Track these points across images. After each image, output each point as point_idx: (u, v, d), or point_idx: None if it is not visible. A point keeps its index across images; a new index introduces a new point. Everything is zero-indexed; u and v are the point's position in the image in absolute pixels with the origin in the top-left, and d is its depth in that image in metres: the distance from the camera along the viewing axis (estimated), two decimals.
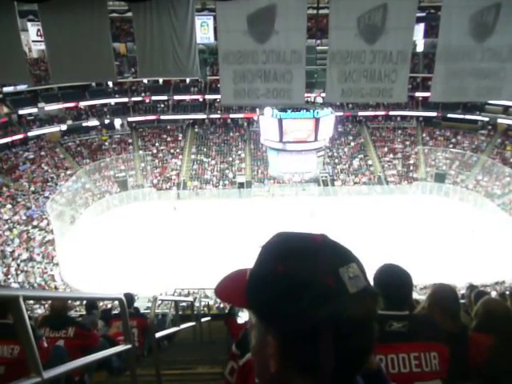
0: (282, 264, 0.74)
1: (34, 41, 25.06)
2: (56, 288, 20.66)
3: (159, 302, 11.48)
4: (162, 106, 33.67)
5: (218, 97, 28.62)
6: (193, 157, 33.28)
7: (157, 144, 33.75)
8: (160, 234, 24.22)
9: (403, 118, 34.57)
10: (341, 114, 31.39)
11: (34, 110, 29.74)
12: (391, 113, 33.76)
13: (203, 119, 34.73)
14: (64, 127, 31.31)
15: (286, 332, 0.72)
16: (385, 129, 34.78)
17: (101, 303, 13.13)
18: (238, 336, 2.06)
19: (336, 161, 32.74)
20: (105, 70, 7.32)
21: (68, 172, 29.99)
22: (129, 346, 3.39)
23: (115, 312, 7.29)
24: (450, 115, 32.20)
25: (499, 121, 31.05)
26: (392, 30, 6.97)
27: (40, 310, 15.04)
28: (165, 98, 33.09)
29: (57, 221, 25.04)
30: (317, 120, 16.02)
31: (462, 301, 6.11)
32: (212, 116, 34.09)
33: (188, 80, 32.04)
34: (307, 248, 0.76)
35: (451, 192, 29.56)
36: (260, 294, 0.75)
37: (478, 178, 29.91)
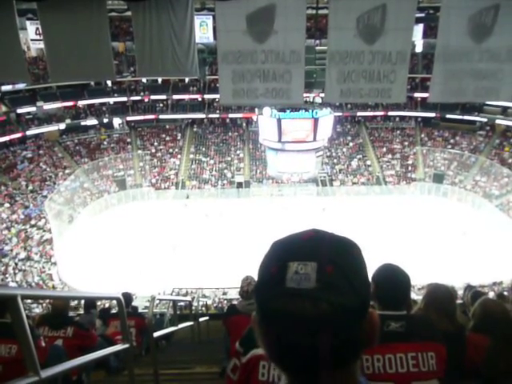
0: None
1: (32, 39, 24.97)
2: (54, 287, 20.63)
3: (157, 301, 11.49)
4: (161, 105, 33.64)
5: (216, 96, 28.59)
6: (191, 156, 33.27)
7: (155, 143, 33.73)
8: (159, 234, 24.21)
9: (402, 118, 34.62)
10: (339, 114, 31.40)
11: (32, 109, 29.68)
12: (390, 113, 33.79)
13: (202, 119, 34.71)
14: (62, 126, 31.26)
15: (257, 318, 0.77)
16: (383, 129, 34.82)
17: (99, 302, 13.13)
18: (237, 335, 2.07)
19: (334, 161, 32.76)
20: (104, 69, 7.31)
21: (66, 171, 29.94)
22: (127, 346, 3.39)
23: (113, 311, 7.30)
24: (448, 116, 32.26)
25: (497, 122, 31.11)
26: (391, 31, 6.98)
27: (38, 310, 15.02)
28: (164, 97, 33.06)
29: (55, 220, 25.01)
30: (315, 120, 16.04)
31: (459, 301, 6.13)
32: (211, 116, 34.07)
33: (187, 79, 32.00)
34: (291, 243, 0.79)
35: (449, 192, 29.61)
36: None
37: (477, 178, 29.97)
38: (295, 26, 7.00)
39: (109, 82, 31.31)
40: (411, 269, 2.28)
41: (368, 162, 32.64)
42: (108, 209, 29.05)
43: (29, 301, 12.82)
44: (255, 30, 6.96)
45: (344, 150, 33.59)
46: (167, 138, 34.28)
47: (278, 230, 18.24)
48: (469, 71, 7.29)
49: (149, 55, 7.26)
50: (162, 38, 7.10)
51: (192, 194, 30.31)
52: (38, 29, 21.64)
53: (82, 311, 7.93)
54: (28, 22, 23.42)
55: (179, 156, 33.08)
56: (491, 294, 14.53)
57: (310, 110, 15.94)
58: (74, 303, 12.62)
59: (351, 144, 34.03)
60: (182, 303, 11.45)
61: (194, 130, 35.01)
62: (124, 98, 32.38)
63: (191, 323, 7.67)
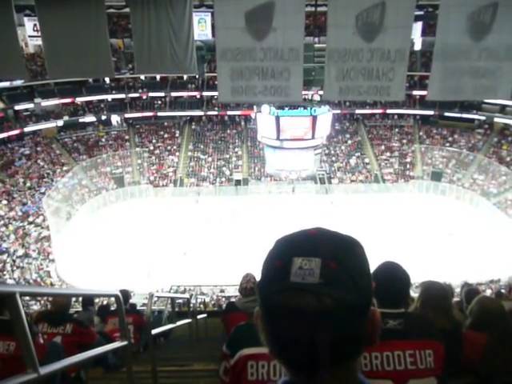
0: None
1: (30, 36, 24.82)
2: (52, 284, 20.63)
3: (155, 298, 11.48)
4: (159, 102, 33.55)
5: (215, 94, 28.54)
6: (190, 154, 33.23)
7: (154, 141, 33.67)
8: (156, 231, 24.21)
9: (400, 116, 34.60)
10: (338, 111, 31.37)
11: (30, 106, 29.55)
12: (388, 111, 33.75)
13: (200, 116, 34.65)
14: (60, 123, 31.15)
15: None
16: (382, 127, 34.81)
17: (97, 300, 13.13)
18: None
19: (333, 159, 32.77)
20: (102, 65, 7.30)
21: (64, 168, 29.87)
22: (125, 343, 3.39)
23: (112, 309, 7.30)
24: (446, 114, 32.26)
25: (496, 120, 31.12)
26: (390, 29, 6.98)
27: (36, 307, 15.02)
28: (162, 94, 32.97)
29: (53, 217, 24.97)
30: (314, 118, 16.02)
31: (456, 299, 6.15)
32: (209, 113, 34.00)
33: (185, 77, 31.91)
34: (295, 239, 0.80)
35: (447, 190, 29.66)
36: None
37: (475, 176, 30.02)
38: (294, 24, 6.99)
39: (107, 79, 31.21)
40: (409, 266, 2.29)
41: (366, 160, 32.65)
42: (106, 206, 29.01)
43: (27, 298, 12.82)
44: (254, 27, 6.95)
45: (342, 147, 33.59)
46: (165, 136, 34.22)
47: (276, 227, 18.29)
48: (467, 69, 7.31)
49: (147, 52, 7.26)
50: (161, 34, 7.08)
51: (190, 192, 30.31)
52: (35, 25, 21.49)
53: (79, 308, 7.93)
54: (26, 19, 23.26)
55: (177, 153, 33.04)
56: (489, 292, 14.61)
57: (309, 108, 15.91)
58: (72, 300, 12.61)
59: (349, 142, 34.03)
60: (180, 300, 11.46)
61: (193, 127, 34.95)
62: (122, 95, 32.27)
63: (189, 320, 7.68)
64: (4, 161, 28.48)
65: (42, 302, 15.42)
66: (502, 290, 12.96)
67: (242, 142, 34.00)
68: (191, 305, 8.61)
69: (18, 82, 27.46)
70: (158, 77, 32.10)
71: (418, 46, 27.77)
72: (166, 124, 34.80)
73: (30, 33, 24.23)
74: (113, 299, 3.90)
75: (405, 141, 33.64)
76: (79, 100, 31.44)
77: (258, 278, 0.80)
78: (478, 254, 20.85)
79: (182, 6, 6.99)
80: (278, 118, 16.15)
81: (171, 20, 7.03)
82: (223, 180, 31.47)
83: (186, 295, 10.61)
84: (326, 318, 0.71)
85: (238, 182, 31.12)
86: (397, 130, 34.46)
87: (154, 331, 5.15)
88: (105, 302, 12.25)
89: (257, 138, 22.03)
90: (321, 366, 0.74)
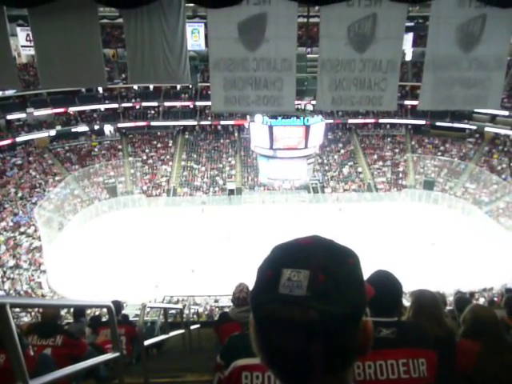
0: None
1: (23, 46, 24.78)
2: (43, 295, 20.38)
3: (148, 309, 11.38)
4: (153, 112, 33.60)
5: (208, 103, 28.48)
6: (183, 163, 33.21)
7: (147, 150, 33.63)
8: (149, 241, 24.06)
9: (392, 125, 34.91)
10: (331, 121, 31.58)
11: (22, 115, 29.48)
12: (381, 120, 34.06)
13: (194, 126, 34.71)
14: (53, 133, 31.07)
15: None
16: (374, 136, 35.08)
17: (89, 310, 12.98)
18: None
19: (326, 168, 32.91)
20: (95, 75, 7.29)
21: (56, 178, 29.71)
22: (117, 354, 3.35)
23: (104, 319, 7.21)
24: (438, 123, 32.63)
25: (486, 129, 31.52)
26: (382, 39, 7.06)
27: (26, 318, 14.82)
28: (155, 104, 33.04)
29: (44, 227, 24.75)
30: (307, 127, 16.10)
31: (449, 307, 6.16)
32: (202, 122, 34.09)
33: (179, 86, 32.04)
34: (289, 248, 0.81)
35: (440, 199, 29.86)
36: None
37: (466, 185, 30.27)
38: (286, 34, 7.05)
39: (100, 89, 31.27)
40: (402, 275, 2.29)
41: (359, 169, 32.82)
42: (98, 216, 28.83)
43: (17, 309, 12.65)
44: (247, 37, 7.00)
45: (335, 157, 33.76)
46: (158, 145, 34.20)
47: (270, 237, 18.26)
48: (458, 79, 7.40)
49: (140, 62, 7.27)
50: (154, 45, 7.11)
51: (184, 201, 30.23)
52: (28, 35, 21.50)
53: (71, 319, 7.83)
54: (18, 29, 23.29)
55: (170, 163, 33.01)
56: (482, 300, 14.64)
57: (302, 118, 15.99)
58: (63, 312, 12.47)
59: (342, 151, 34.22)
60: (174, 311, 11.37)
61: (186, 136, 34.98)
62: (115, 105, 32.30)
63: (182, 331, 7.61)
64: None
65: (33, 313, 15.23)
66: (495, 298, 13.00)
67: (236, 151, 34.06)
68: (184, 315, 8.54)
69: (11, 92, 27.43)
70: (151, 86, 32.18)
71: (409, 57, 28.12)
72: (159, 134, 34.80)
73: (22, 43, 24.19)
74: (105, 310, 3.86)
75: (397, 150, 33.90)
76: (72, 110, 31.39)
77: (251, 287, 0.81)
78: (471, 263, 20.94)
79: (176, 17, 7.03)
80: (271, 128, 16.22)
81: (165, 30, 7.06)
82: (216, 189, 31.45)
83: (180, 305, 10.53)
84: (312, 330, 0.71)
85: (231, 192, 31.10)
86: (389, 139, 34.74)
87: (147, 342, 5.10)
88: (97, 313, 12.12)
89: (250, 148, 22.09)
90: (311, 377, 0.74)
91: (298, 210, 27.95)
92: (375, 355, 1.78)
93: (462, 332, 2.82)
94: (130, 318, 8.36)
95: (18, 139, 29.51)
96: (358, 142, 34.67)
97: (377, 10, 6.81)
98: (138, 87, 32.06)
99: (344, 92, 7.48)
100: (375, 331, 1.84)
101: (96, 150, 32.90)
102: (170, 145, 34.33)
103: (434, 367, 1.83)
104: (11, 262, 22.25)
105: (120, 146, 33.55)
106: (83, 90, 30.56)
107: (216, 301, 19.28)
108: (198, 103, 32.59)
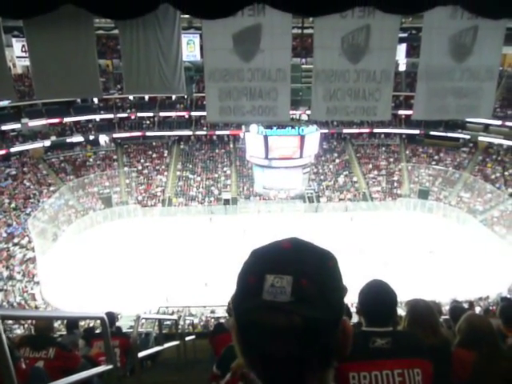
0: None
1: (18, 57, 24.85)
2: (36, 307, 20.15)
3: (143, 320, 11.28)
4: (148, 122, 33.62)
5: (203, 114, 28.63)
6: (178, 173, 33.18)
7: (142, 160, 33.58)
8: (144, 251, 23.92)
9: (387, 135, 35.11)
10: (326, 131, 31.74)
11: (17, 126, 29.34)
12: (375, 130, 34.26)
13: (189, 136, 34.74)
14: (48, 143, 30.93)
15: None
16: (369, 146, 35.24)
17: (82, 322, 12.85)
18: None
19: (321, 177, 32.98)
20: (90, 86, 7.31)
21: (51, 188, 29.55)
22: (111, 367, 3.31)
23: (97, 331, 7.13)
24: (432, 133, 32.83)
25: (480, 138, 31.78)
26: (375, 50, 7.14)
27: (19, 331, 14.63)
28: (150, 114, 33.06)
29: (38, 238, 24.55)
30: (302, 137, 16.17)
31: (445, 317, 6.15)
32: (198, 133, 34.14)
33: (174, 97, 32.11)
34: (269, 253, 0.81)
35: (435, 208, 29.97)
36: None
37: (461, 194, 30.41)
38: (281, 45, 7.11)
39: (95, 99, 31.24)
40: (398, 285, 2.29)
41: (354, 179, 32.93)
42: (93, 226, 28.66)
43: (10, 321, 12.48)
44: (242, 48, 7.05)
45: (330, 166, 33.87)
46: (154, 155, 34.18)
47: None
48: (450, 89, 7.49)
49: (136, 73, 7.30)
50: (149, 55, 7.14)
51: (179, 212, 30.15)
52: (23, 46, 21.58)
53: (64, 331, 7.74)
54: (14, 40, 23.38)
55: (166, 173, 32.97)
56: (478, 309, 14.63)
57: (297, 127, 16.07)
58: (56, 323, 12.32)
59: (337, 161, 34.34)
60: (168, 322, 11.27)
61: (181, 147, 35.00)
62: (110, 115, 32.26)
63: (177, 342, 7.54)
64: None
65: (26, 325, 15.04)
66: (491, 307, 12.99)
67: (231, 161, 34.09)
68: (179, 326, 8.46)
69: (5, 102, 27.34)
70: (146, 97, 32.22)
71: (402, 67, 28.44)
72: (154, 144, 34.79)
73: (17, 53, 24.26)
74: (99, 322, 3.82)
75: (392, 159, 34.07)
76: (67, 120, 31.32)
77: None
78: (467, 272, 20.96)
79: (171, 28, 7.08)
80: (266, 138, 16.27)
81: (160, 41, 7.11)
82: (212, 199, 31.41)
83: (174, 317, 10.44)
84: (297, 335, 0.71)
85: (226, 202, 31.07)
86: (384, 148, 34.92)
87: (141, 354, 5.04)
88: (91, 325, 12.00)
89: (245, 158, 22.14)
90: (295, 380, 0.75)
91: (293, 219, 27.91)
92: (370, 366, 1.76)
93: (458, 341, 2.81)
94: (125, 330, 8.26)
95: (13, 150, 29.38)
96: (353, 152, 34.83)
97: (370, 22, 6.89)
98: (134, 97, 32.07)
99: (338, 102, 7.54)
100: (370, 341, 1.84)
101: (91, 160, 32.80)
102: (166, 155, 34.32)
103: (429, 377, 1.82)
104: (4, 274, 22.02)
105: (115, 157, 33.49)
106: (78, 100, 30.53)
107: (212, 311, 19.15)
108: (194, 113, 32.66)
